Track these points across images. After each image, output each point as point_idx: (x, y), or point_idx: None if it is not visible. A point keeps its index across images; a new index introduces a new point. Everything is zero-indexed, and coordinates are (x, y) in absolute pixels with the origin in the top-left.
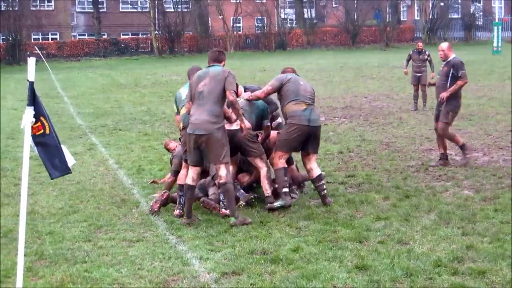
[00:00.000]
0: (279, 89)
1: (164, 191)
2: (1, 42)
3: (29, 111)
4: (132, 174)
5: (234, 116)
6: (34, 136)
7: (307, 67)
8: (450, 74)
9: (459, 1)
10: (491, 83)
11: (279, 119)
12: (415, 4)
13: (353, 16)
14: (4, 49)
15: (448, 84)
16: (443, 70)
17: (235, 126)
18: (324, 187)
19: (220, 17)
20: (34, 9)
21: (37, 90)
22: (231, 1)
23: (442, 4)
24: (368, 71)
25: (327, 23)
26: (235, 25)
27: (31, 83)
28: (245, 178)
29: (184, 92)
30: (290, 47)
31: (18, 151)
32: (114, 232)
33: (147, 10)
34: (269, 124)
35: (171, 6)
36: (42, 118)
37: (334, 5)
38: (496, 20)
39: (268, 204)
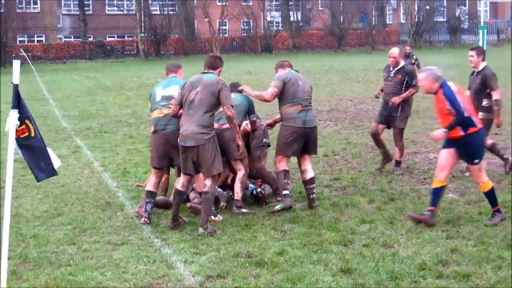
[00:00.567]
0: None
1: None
2: None
3: (14, 114)
4: (117, 177)
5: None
6: (18, 139)
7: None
8: (405, 82)
9: (445, 4)
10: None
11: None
12: (401, 7)
13: (339, 19)
14: None
15: (403, 92)
16: (396, 77)
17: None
18: (314, 191)
19: (206, 19)
20: (20, 11)
21: (23, 93)
22: (217, 3)
23: (427, 7)
24: (354, 74)
25: (313, 26)
26: (221, 27)
27: (16, 86)
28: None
29: (159, 91)
30: (276, 50)
31: (2, 154)
32: (99, 235)
33: (133, 12)
34: (255, 119)
35: (157, 8)
36: (27, 121)
37: (320, 8)
38: (482, 24)
39: (269, 208)
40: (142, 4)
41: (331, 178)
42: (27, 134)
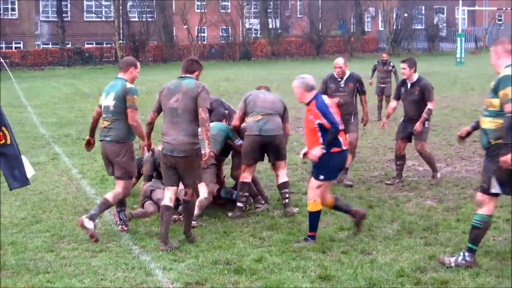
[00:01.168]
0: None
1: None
2: None
3: None
4: (95, 184)
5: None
6: None
7: (271, 77)
8: (355, 90)
9: (423, 12)
10: (454, 94)
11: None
12: (379, 15)
13: (318, 26)
14: None
15: (354, 100)
16: (348, 86)
17: None
18: (287, 195)
19: (184, 26)
20: None
21: (0, 100)
22: (196, 10)
23: (406, 15)
24: None
25: (291, 33)
26: (199, 34)
27: None
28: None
29: (102, 97)
30: (254, 57)
31: None
32: (77, 243)
33: (112, 19)
34: (240, 142)
35: (136, 15)
36: (3, 128)
37: (298, 16)
38: (460, 31)
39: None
40: (121, 11)
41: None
42: (3, 141)
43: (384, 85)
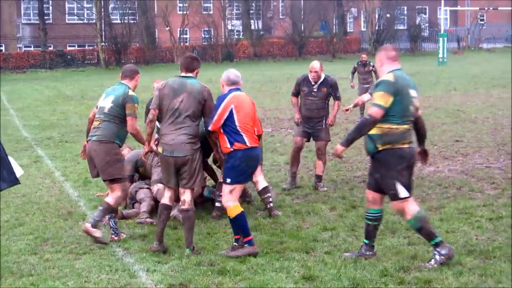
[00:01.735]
0: None
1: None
2: None
3: None
4: (78, 186)
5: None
6: None
7: (254, 78)
8: (329, 96)
9: (405, 12)
10: (436, 94)
11: None
12: (362, 16)
13: (300, 27)
14: None
15: (326, 105)
16: (321, 91)
17: None
18: (271, 199)
19: (167, 28)
20: None
21: None
22: (178, 12)
23: (388, 15)
24: None
25: (274, 34)
26: (182, 36)
27: None
28: None
29: (100, 101)
30: (237, 59)
31: None
32: (61, 245)
33: (94, 21)
34: None
35: (118, 17)
36: None
37: (281, 17)
38: (442, 32)
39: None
40: (103, 13)
41: (293, 186)
42: None
43: (368, 85)
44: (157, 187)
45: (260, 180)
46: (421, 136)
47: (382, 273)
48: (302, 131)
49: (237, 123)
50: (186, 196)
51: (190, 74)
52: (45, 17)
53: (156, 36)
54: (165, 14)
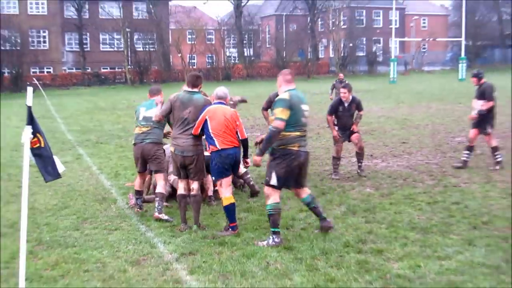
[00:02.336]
0: None
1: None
2: (6, 74)
3: (28, 129)
4: (110, 177)
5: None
6: (32, 149)
7: (246, 94)
8: None
9: (364, 42)
10: (388, 106)
11: None
12: (330, 45)
13: (282, 54)
14: (9, 80)
15: None
16: None
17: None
18: (251, 179)
19: (179, 55)
20: (32, 48)
21: (35, 112)
22: (188, 42)
23: (351, 44)
24: None
25: (262, 59)
26: (190, 61)
27: (29, 107)
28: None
29: (142, 112)
30: (234, 78)
31: (20, 160)
32: (97, 223)
33: (122, 49)
34: None
35: (141, 46)
36: (38, 135)
37: (267, 46)
38: (393, 57)
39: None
40: (129, 43)
41: None
42: (38, 145)
43: None
44: (173, 177)
45: (241, 167)
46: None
47: (345, 244)
48: None
49: (210, 130)
50: (194, 185)
51: (195, 90)
52: (84, 46)
53: (171, 61)
54: (178, 43)
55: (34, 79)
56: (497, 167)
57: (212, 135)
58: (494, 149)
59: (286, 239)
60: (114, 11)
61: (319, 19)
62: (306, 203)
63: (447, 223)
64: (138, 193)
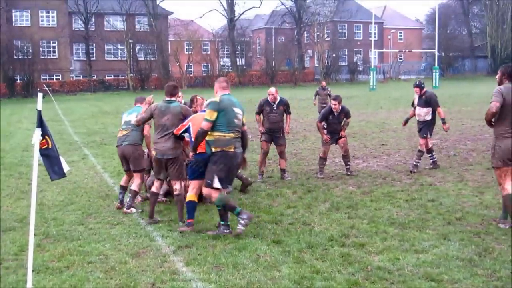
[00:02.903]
0: None
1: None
2: (19, 81)
3: (38, 131)
4: (113, 176)
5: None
6: (41, 150)
7: (239, 99)
8: (284, 112)
9: (346, 53)
10: (368, 111)
11: None
12: (315, 55)
13: (271, 63)
14: (21, 86)
15: (283, 119)
16: (279, 109)
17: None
18: (241, 173)
19: (177, 64)
20: (43, 57)
21: (44, 116)
22: (185, 52)
23: (334, 55)
24: None
25: (253, 68)
26: (188, 69)
27: (39, 111)
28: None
29: (124, 117)
30: None
31: (30, 159)
32: (101, 218)
33: (125, 58)
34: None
35: (142, 56)
36: (46, 137)
37: (258, 56)
38: (372, 67)
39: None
40: (131, 53)
41: (266, 176)
42: (46, 146)
43: (325, 105)
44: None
45: None
46: (243, 146)
47: (329, 238)
48: (267, 136)
49: (192, 135)
50: (177, 185)
51: (173, 98)
52: (90, 55)
53: (170, 69)
54: (176, 53)
55: (44, 85)
56: (431, 166)
57: (193, 139)
58: (429, 151)
59: (275, 234)
60: (118, 24)
61: (305, 32)
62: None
63: (423, 219)
64: (122, 188)
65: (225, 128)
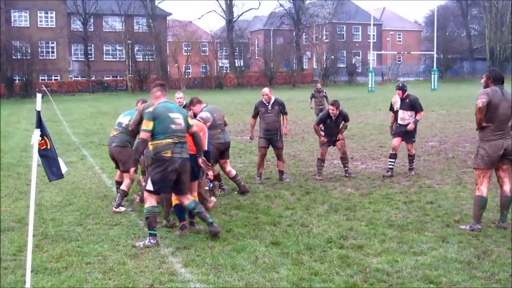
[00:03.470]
0: None
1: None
2: (17, 81)
3: (37, 132)
4: (111, 177)
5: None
6: (39, 150)
7: (237, 101)
8: (280, 112)
9: (345, 55)
10: (366, 113)
11: None
12: (314, 57)
13: (270, 65)
14: (19, 87)
15: (280, 120)
16: (274, 109)
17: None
18: (241, 180)
19: (175, 65)
20: (41, 58)
21: (43, 116)
22: (184, 53)
23: (332, 57)
24: None
25: (251, 69)
26: (186, 70)
27: (38, 112)
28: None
29: (120, 116)
30: (225, 87)
31: (29, 160)
32: (99, 219)
33: (124, 59)
34: None
35: (141, 57)
36: (45, 137)
37: (256, 57)
38: (371, 69)
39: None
40: (130, 54)
41: (264, 177)
42: (45, 146)
43: (322, 107)
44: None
45: (231, 170)
46: (197, 148)
47: (327, 240)
48: (265, 141)
49: None
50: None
51: (171, 101)
52: (89, 56)
53: (168, 70)
54: (174, 54)
55: (43, 86)
56: (412, 173)
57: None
58: (413, 157)
59: (273, 235)
60: (116, 24)
61: (304, 34)
62: (190, 209)
63: (422, 221)
64: (117, 182)
65: (161, 136)
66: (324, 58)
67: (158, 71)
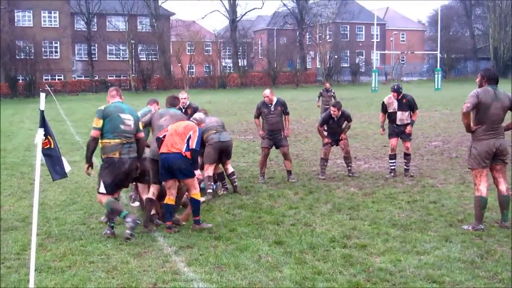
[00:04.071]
0: None
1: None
2: (21, 81)
3: (40, 131)
4: None
5: None
6: (43, 149)
7: (240, 101)
8: (282, 112)
9: (348, 54)
10: (370, 113)
11: None
12: (317, 56)
13: (273, 64)
14: (23, 86)
15: (282, 120)
16: (277, 110)
17: None
18: (235, 180)
19: (179, 64)
20: (45, 57)
21: (47, 116)
22: (187, 53)
23: (336, 56)
24: None
25: (255, 69)
26: (189, 70)
27: (42, 111)
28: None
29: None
30: (229, 86)
31: (32, 159)
32: (102, 218)
33: (127, 59)
34: None
35: (144, 57)
36: (49, 137)
37: (260, 57)
38: (374, 68)
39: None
40: (133, 53)
41: (268, 177)
42: (49, 146)
43: (328, 106)
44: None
45: (229, 167)
46: (138, 153)
47: (331, 240)
48: (268, 142)
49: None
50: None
51: (172, 107)
52: (92, 56)
53: (171, 70)
54: (178, 54)
55: (46, 85)
56: (409, 174)
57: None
58: (409, 156)
59: (276, 234)
60: (120, 24)
61: (307, 33)
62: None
63: (425, 221)
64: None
65: (110, 135)
66: (328, 57)
67: (161, 71)
